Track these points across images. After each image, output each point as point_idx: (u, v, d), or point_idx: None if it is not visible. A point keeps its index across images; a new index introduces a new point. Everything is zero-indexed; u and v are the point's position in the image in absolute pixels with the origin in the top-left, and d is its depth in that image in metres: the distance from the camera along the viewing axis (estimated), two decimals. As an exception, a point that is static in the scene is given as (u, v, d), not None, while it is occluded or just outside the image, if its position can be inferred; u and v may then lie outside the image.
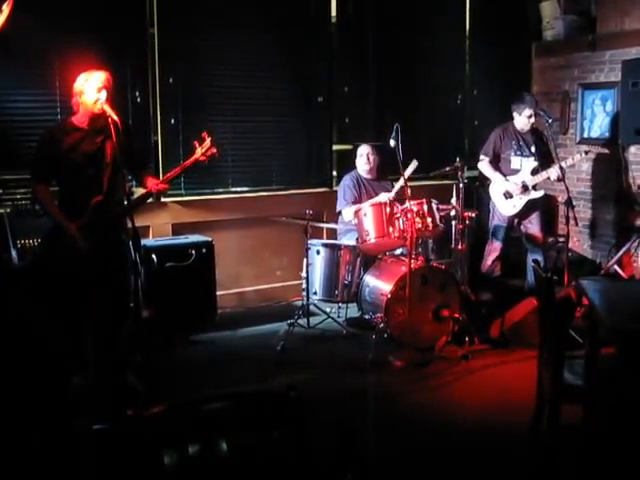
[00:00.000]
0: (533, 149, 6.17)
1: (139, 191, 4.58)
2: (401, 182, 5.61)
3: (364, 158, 6.14)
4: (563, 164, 5.93)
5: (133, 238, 4.27)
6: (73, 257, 4.04)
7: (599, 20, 7.15)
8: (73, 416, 3.79)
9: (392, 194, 5.83)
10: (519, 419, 3.95)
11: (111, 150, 4.05)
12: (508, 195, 6.13)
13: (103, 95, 4.05)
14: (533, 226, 6.25)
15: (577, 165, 7.25)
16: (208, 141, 4.28)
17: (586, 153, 6.08)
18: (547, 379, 3.50)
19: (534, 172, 6.10)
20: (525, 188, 6.10)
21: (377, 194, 6.05)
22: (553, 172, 5.95)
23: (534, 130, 6.27)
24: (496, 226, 6.29)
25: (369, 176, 6.18)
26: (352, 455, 2.23)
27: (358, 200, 5.99)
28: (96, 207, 4.07)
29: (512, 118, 6.24)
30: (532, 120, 6.10)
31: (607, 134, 7.04)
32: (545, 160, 6.17)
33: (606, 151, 6.49)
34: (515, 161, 6.19)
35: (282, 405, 2.21)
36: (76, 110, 4.17)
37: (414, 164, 5.63)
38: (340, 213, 6.12)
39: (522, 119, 6.13)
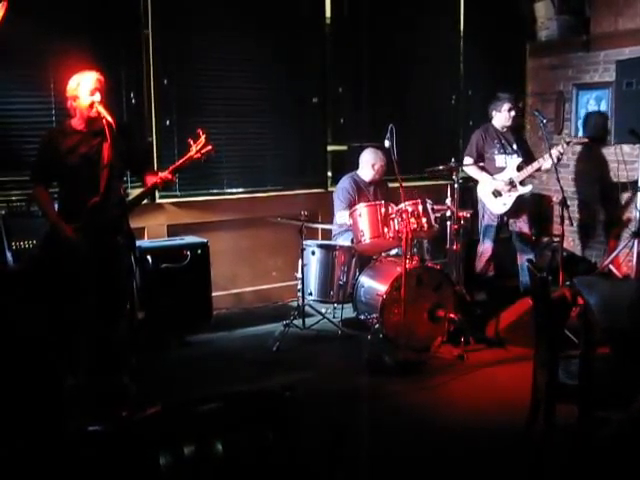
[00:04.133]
0: (515, 146, 6.26)
1: (135, 192, 4.58)
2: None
3: (369, 168, 6.05)
4: (546, 158, 5.95)
5: (128, 239, 4.28)
6: (71, 258, 4.03)
7: (593, 20, 7.18)
8: (67, 417, 3.79)
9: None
10: (514, 419, 3.95)
11: (108, 152, 4.04)
12: (497, 194, 6.17)
13: (97, 97, 4.05)
14: (522, 224, 6.29)
15: (571, 165, 7.30)
16: (202, 138, 4.23)
17: (567, 144, 6.10)
18: (542, 379, 3.50)
19: (519, 168, 6.15)
20: (513, 185, 6.14)
21: (374, 196, 6.03)
22: (537, 166, 6.03)
23: (513, 129, 6.37)
24: (487, 226, 6.31)
25: (370, 180, 6.16)
26: (344, 454, 2.23)
27: (355, 203, 5.90)
28: (93, 208, 4.06)
29: (490, 120, 6.33)
30: (512, 113, 6.20)
31: (598, 132, 7.06)
32: (528, 157, 6.25)
33: (585, 140, 6.55)
34: (499, 159, 6.25)
35: (277, 405, 2.21)
36: (73, 114, 4.17)
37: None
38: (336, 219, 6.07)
39: (503, 115, 6.22)
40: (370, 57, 7.09)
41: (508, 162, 6.22)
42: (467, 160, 6.29)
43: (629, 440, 3.04)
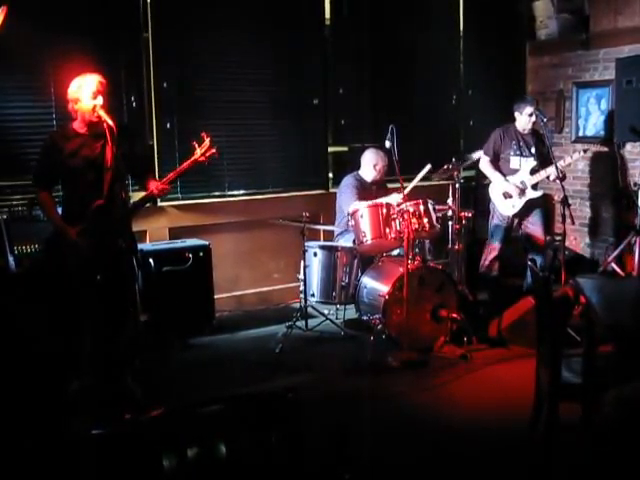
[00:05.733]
0: (533, 150, 6.16)
1: (136, 196, 4.59)
2: (414, 183, 5.76)
3: (371, 167, 6.05)
4: (561, 163, 5.92)
5: (130, 242, 4.29)
6: (74, 261, 4.04)
7: (592, 19, 7.17)
8: (71, 420, 3.79)
9: (401, 195, 5.70)
10: (518, 417, 3.95)
11: (110, 155, 4.05)
12: (507, 195, 6.14)
13: (99, 100, 4.06)
14: (534, 227, 6.24)
15: (573, 164, 7.28)
16: (207, 141, 4.28)
17: (585, 152, 6.08)
18: (545, 377, 3.50)
19: (533, 172, 6.10)
20: (524, 188, 6.10)
21: (377, 196, 6.02)
22: (552, 171, 5.96)
23: (535, 132, 6.26)
24: (495, 226, 6.29)
25: (372, 180, 6.16)
26: (349, 455, 2.23)
27: (362, 198, 5.89)
28: (97, 211, 4.07)
29: (513, 120, 6.24)
30: (533, 118, 6.10)
31: (602, 132, 7.05)
32: (545, 162, 6.16)
33: (604, 149, 6.50)
34: (514, 161, 6.19)
35: (280, 407, 2.21)
36: (75, 117, 4.18)
37: (427, 168, 5.68)
38: (349, 213, 5.91)
39: (524, 118, 6.12)
40: (370, 58, 7.10)
41: (522, 164, 6.15)
42: (483, 157, 6.28)
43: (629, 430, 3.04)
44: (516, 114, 6.20)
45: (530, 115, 6.09)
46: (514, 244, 6.46)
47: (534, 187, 6.12)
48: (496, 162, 6.25)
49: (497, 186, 6.20)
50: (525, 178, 6.11)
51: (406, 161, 5.55)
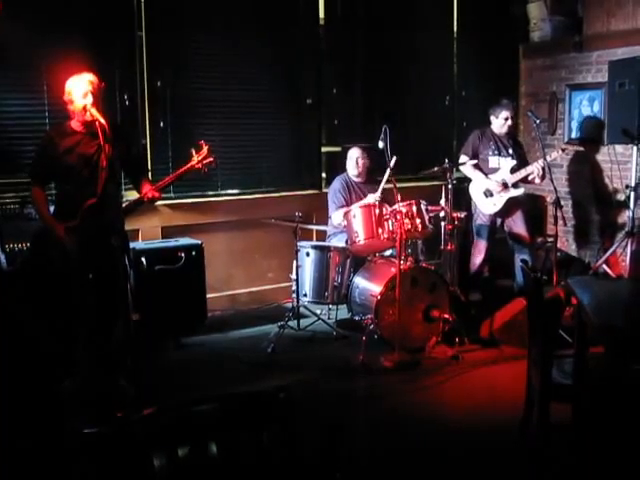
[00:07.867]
0: (510, 150, 6.28)
1: (129, 195, 4.58)
2: (385, 180, 5.69)
3: (353, 162, 6.14)
4: (540, 162, 5.99)
5: (122, 241, 4.29)
6: (61, 259, 4.04)
7: (586, 21, 7.19)
8: (63, 419, 3.79)
9: (378, 194, 5.80)
10: (509, 418, 3.96)
11: (106, 154, 4.05)
12: (488, 193, 6.20)
13: (89, 99, 4.08)
14: (517, 226, 6.30)
15: (564, 166, 7.32)
16: (205, 149, 4.28)
17: (563, 150, 6.17)
18: (536, 378, 3.51)
19: (513, 170, 6.17)
20: (505, 186, 6.16)
21: (366, 196, 6.05)
22: (532, 169, 6.05)
23: (511, 135, 6.42)
24: (479, 226, 6.34)
25: (359, 179, 6.18)
26: (340, 455, 2.23)
27: (348, 203, 5.96)
28: (89, 209, 4.07)
29: (490, 123, 6.34)
30: (509, 122, 6.25)
31: (594, 134, 7.06)
32: (522, 163, 6.27)
33: (581, 149, 6.55)
34: (493, 160, 6.28)
35: (272, 406, 2.21)
36: (72, 116, 4.20)
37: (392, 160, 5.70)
38: (333, 224, 6.08)
39: (499, 121, 6.25)
40: (364, 58, 7.11)
41: (502, 164, 6.24)
42: (462, 158, 6.32)
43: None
44: (492, 117, 6.33)
45: (505, 119, 6.22)
46: (502, 245, 6.49)
47: (515, 186, 6.18)
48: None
49: (478, 184, 6.26)
50: (506, 176, 6.19)
51: (399, 161, 5.57)
